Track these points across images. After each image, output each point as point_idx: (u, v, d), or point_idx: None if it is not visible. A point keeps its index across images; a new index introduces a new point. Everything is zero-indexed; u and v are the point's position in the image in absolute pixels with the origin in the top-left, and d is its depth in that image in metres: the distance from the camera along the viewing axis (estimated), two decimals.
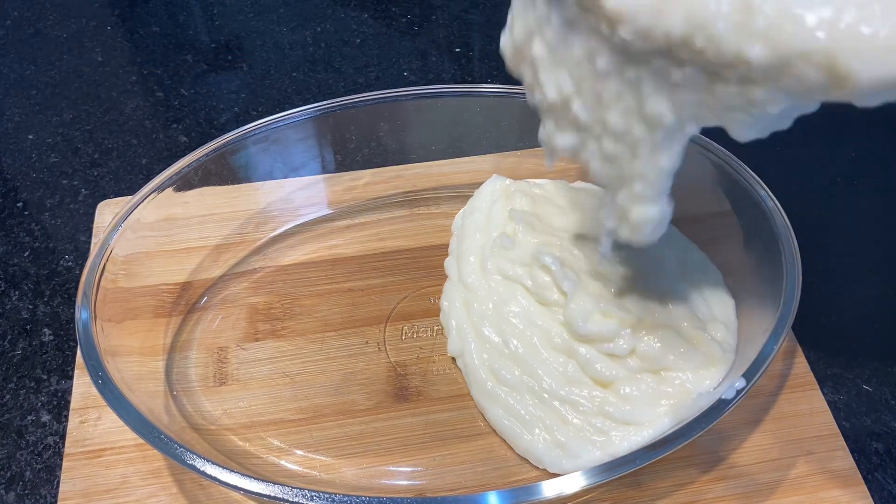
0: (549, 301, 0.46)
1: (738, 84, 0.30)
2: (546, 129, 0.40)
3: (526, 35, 0.38)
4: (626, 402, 0.41)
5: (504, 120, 0.56)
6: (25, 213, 0.60)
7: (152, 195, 0.49)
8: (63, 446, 0.44)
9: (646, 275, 0.47)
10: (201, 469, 0.36)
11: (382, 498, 0.37)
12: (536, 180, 0.54)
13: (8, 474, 0.45)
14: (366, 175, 0.57)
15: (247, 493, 0.36)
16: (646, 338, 0.43)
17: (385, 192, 0.57)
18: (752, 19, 0.28)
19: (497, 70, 0.70)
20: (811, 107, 0.32)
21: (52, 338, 0.51)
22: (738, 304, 0.47)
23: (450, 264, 0.51)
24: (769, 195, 0.46)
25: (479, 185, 0.54)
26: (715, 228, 0.50)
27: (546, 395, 0.43)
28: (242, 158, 0.53)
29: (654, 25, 0.30)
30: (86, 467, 0.43)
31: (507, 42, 0.40)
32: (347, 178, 0.57)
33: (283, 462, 0.43)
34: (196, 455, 0.37)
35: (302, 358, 0.47)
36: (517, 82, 0.55)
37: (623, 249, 0.49)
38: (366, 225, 0.55)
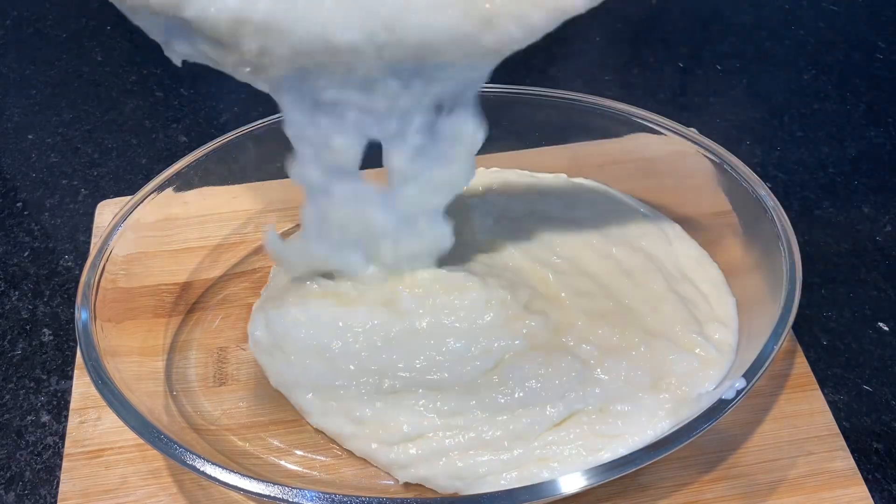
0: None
1: None
2: None
3: None
4: (619, 418, 0.41)
5: (503, 120, 0.56)
6: (25, 213, 0.60)
7: (152, 195, 0.49)
8: (63, 446, 0.44)
9: (641, 275, 0.47)
10: (201, 469, 0.36)
11: (382, 498, 0.37)
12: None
13: (8, 474, 0.45)
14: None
15: (247, 493, 0.35)
16: (625, 363, 0.43)
17: None
18: None
19: (497, 70, 0.70)
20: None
21: (51, 338, 0.51)
22: (737, 304, 0.47)
23: None
24: (769, 195, 0.46)
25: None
26: (715, 228, 0.50)
27: (519, 459, 0.40)
28: (242, 158, 0.53)
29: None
30: (86, 467, 0.43)
31: None
32: None
33: (282, 462, 0.42)
34: (196, 455, 0.36)
35: None
36: (517, 82, 0.55)
37: (616, 248, 0.49)
38: None
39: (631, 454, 0.36)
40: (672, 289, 0.47)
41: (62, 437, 0.45)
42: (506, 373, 0.42)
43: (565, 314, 0.45)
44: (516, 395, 0.41)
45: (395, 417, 0.41)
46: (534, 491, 0.36)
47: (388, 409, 0.41)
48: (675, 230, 0.51)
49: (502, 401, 0.41)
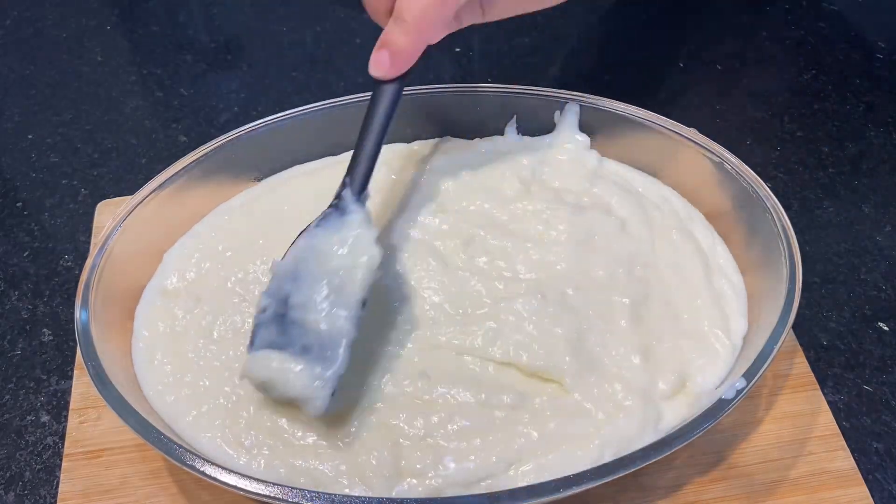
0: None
1: None
2: None
3: None
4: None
5: (503, 119, 0.56)
6: (25, 213, 0.60)
7: (152, 195, 0.49)
8: (63, 446, 0.44)
9: (682, 272, 0.47)
10: (201, 469, 0.36)
11: (382, 498, 0.37)
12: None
13: (8, 474, 0.45)
14: None
15: (247, 493, 0.35)
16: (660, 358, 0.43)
17: None
18: None
19: (497, 70, 0.70)
20: None
21: (51, 338, 0.51)
22: None
23: None
24: (769, 195, 0.46)
25: None
26: (715, 228, 0.50)
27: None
28: (242, 158, 0.53)
29: None
30: (85, 467, 0.43)
31: None
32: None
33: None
34: (196, 455, 0.37)
35: None
36: (517, 82, 0.55)
37: (676, 233, 0.49)
38: None
39: (631, 454, 0.36)
40: (705, 281, 0.46)
41: (62, 437, 0.45)
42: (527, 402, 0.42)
43: (603, 319, 0.45)
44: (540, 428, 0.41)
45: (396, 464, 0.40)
46: (534, 491, 0.36)
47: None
48: (709, 229, 0.50)
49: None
